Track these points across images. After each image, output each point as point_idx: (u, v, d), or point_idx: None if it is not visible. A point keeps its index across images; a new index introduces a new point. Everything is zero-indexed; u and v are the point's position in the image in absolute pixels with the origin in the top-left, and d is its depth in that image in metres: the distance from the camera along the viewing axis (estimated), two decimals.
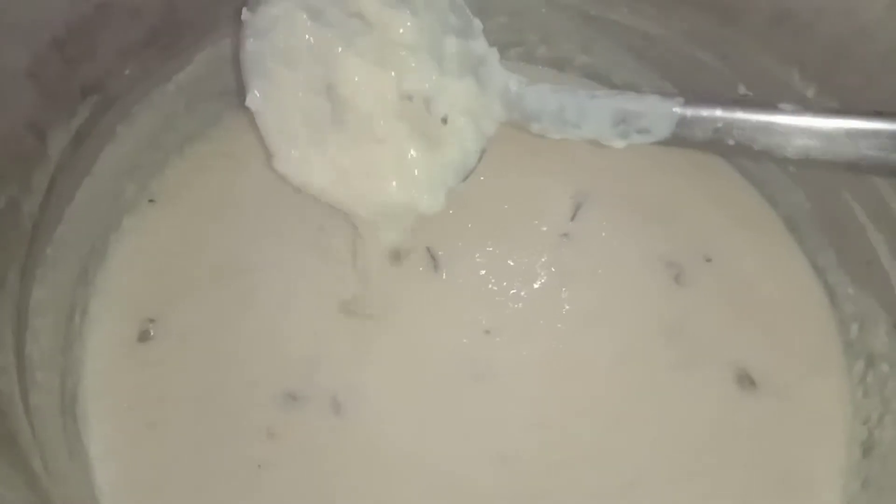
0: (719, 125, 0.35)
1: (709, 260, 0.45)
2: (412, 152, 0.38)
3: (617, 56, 0.50)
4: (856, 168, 0.35)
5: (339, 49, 0.37)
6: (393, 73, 0.37)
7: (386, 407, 0.41)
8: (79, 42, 0.38)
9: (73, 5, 0.38)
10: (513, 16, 0.50)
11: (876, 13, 0.38)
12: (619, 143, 0.37)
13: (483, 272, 0.44)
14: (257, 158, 0.47)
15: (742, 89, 0.46)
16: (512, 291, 0.44)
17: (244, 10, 0.39)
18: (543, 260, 0.45)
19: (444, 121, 0.38)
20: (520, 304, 0.44)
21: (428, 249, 0.44)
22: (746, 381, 0.42)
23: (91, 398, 0.39)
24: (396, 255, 0.44)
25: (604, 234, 0.46)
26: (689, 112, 0.36)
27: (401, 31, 0.37)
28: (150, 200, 0.46)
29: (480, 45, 0.39)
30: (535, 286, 0.44)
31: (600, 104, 0.37)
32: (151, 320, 0.42)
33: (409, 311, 0.43)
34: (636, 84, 0.50)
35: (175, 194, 0.46)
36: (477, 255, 0.45)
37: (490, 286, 0.44)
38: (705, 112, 0.36)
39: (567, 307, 0.44)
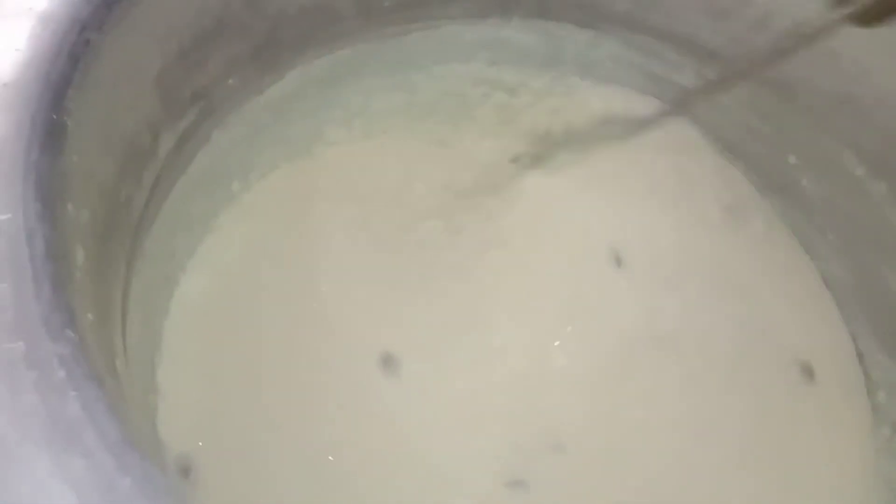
0: None
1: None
2: None
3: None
4: None
5: None
6: None
7: None
8: (198, 52, 0.40)
9: (198, 18, 0.40)
10: (583, 65, 0.53)
11: None
12: None
13: None
14: (335, 187, 0.49)
15: (792, 160, 0.49)
16: None
17: None
18: None
19: None
20: None
21: None
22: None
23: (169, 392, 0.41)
24: None
25: None
26: None
27: None
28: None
29: None
30: None
31: None
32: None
33: None
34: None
35: (253, 212, 0.48)
36: None
37: None
38: None
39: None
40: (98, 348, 0.27)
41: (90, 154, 0.31)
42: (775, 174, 0.51)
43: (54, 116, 0.28)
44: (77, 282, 0.27)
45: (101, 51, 0.32)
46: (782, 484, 0.42)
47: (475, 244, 0.48)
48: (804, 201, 0.50)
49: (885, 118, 0.43)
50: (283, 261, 0.46)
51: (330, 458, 0.38)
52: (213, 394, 0.39)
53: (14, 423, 0.22)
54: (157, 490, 0.21)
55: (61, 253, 0.26)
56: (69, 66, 0.30)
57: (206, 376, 0.40)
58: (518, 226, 0.48)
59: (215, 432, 0.38)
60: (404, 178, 0.50)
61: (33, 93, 0.29)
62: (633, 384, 0.44)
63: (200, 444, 0.37)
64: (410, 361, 0.42)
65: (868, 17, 0.35)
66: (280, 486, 0.37)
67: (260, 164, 0.49)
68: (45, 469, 0.22)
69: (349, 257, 0.46)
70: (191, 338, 0.42)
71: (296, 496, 0.37)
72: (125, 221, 0.37)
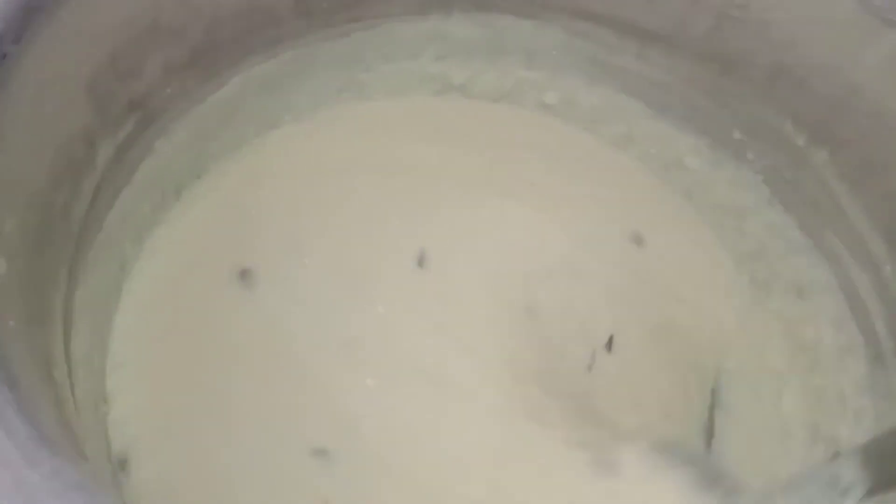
0: None
1: None
2: None
3: (621, 98, 0.53)
4: None
5: None
6: None
7: None
8: (131, 59, 0.40)
9: (127, 23, 0.40)
10: (528, 55, 0.53)
11: (866, 74, 0.42)
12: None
13: None
14: (282, 179, 0.50)
15: (737, 134, 0.50)
16: None
17: None
18: None
19: None
20: None
21: None
22: None
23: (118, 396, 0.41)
24: None
25: None
26: None
27: None
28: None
29: None
30: None
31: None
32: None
33: None
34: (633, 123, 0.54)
35: (200, 210, 0.48)
36: None
37: None
38: None
39: None
40: (22, 355, 0.27)
41: (13, 164, 0.31)
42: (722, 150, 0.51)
43: None
44: None
45: (21, 62, 0.33)
46: None
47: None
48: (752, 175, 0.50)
49: (819, 86, 0.43)
50: (231, 266, 0.46)
51: (269, 454, 0.38)
52: (161, 397, 0.39)
53: None
54: (65, 484, 0.21)
55: None
56: None
57: (154, 380, 0.40)
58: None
59: (159, 430, 0.38)
60: (352, 180, 0.50)
61: None
62: None
63: (144, 441, 0.37)
64: (362, 356, 0.43)
65: None
66: (221, 480, 0.37)
67: (206, 170, 0.49)
68: None
69: (295, 264, 0.46)
70: (139, 344, 0.42)
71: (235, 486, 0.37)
72: (63, 231, 0.37)
